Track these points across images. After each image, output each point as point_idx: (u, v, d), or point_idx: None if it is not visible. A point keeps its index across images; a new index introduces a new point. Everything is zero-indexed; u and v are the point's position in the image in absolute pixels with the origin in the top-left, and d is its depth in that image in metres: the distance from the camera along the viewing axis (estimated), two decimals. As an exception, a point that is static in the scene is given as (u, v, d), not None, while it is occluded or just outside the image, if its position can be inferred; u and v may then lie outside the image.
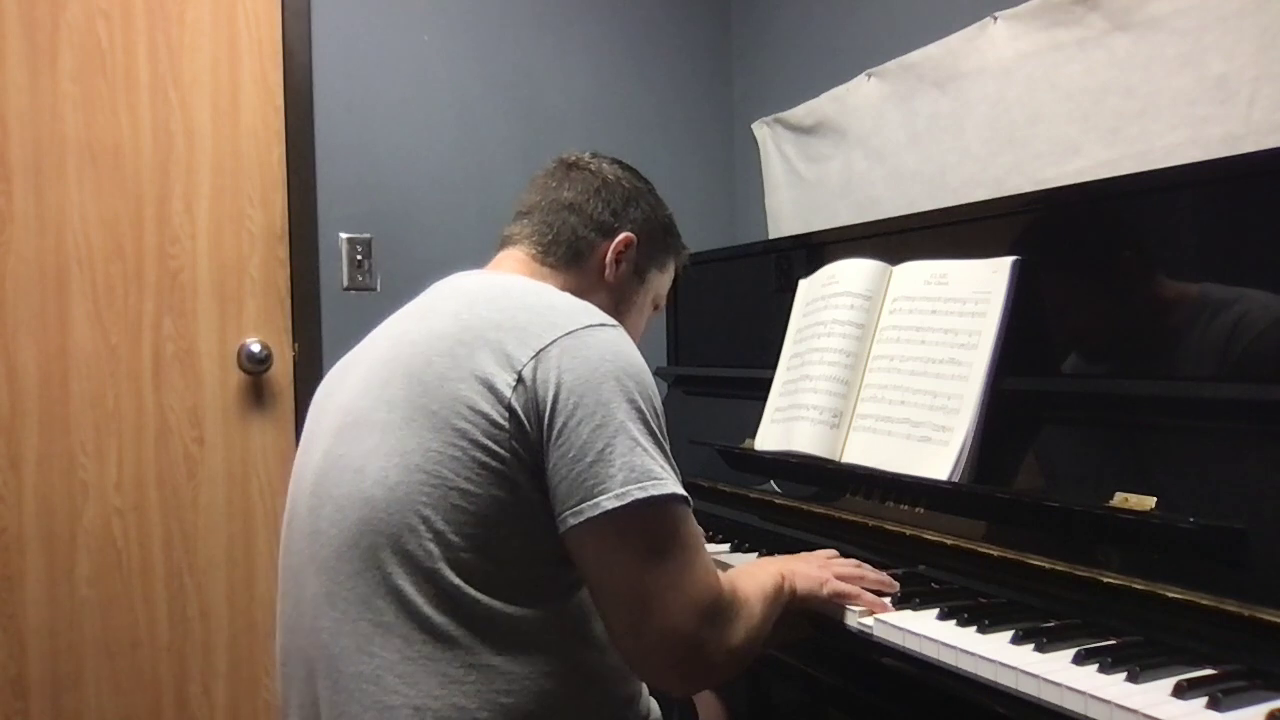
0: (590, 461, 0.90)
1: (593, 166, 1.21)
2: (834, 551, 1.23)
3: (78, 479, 2.03)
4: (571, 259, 1.17)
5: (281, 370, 2.20)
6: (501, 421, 0.92)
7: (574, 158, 1.23)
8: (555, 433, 0.91)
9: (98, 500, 2.04)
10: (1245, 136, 1.44)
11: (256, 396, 2.18)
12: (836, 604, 1.13)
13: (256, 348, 2.16)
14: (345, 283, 2.27)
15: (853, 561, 1.20)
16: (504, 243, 1.20)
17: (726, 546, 1.48)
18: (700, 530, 0.96)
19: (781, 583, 1.07)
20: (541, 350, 0.93)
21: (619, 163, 1.25)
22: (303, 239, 2.22)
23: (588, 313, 0.99)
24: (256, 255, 2.19)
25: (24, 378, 1.99)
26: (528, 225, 1.18)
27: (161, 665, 2.10)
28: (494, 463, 0.92)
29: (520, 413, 0.92)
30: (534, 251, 1.16)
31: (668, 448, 0.96)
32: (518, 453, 0.92)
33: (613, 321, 0.99)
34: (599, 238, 1.18)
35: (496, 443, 0.92)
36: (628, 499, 0.89)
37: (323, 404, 1.10)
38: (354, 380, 1.04)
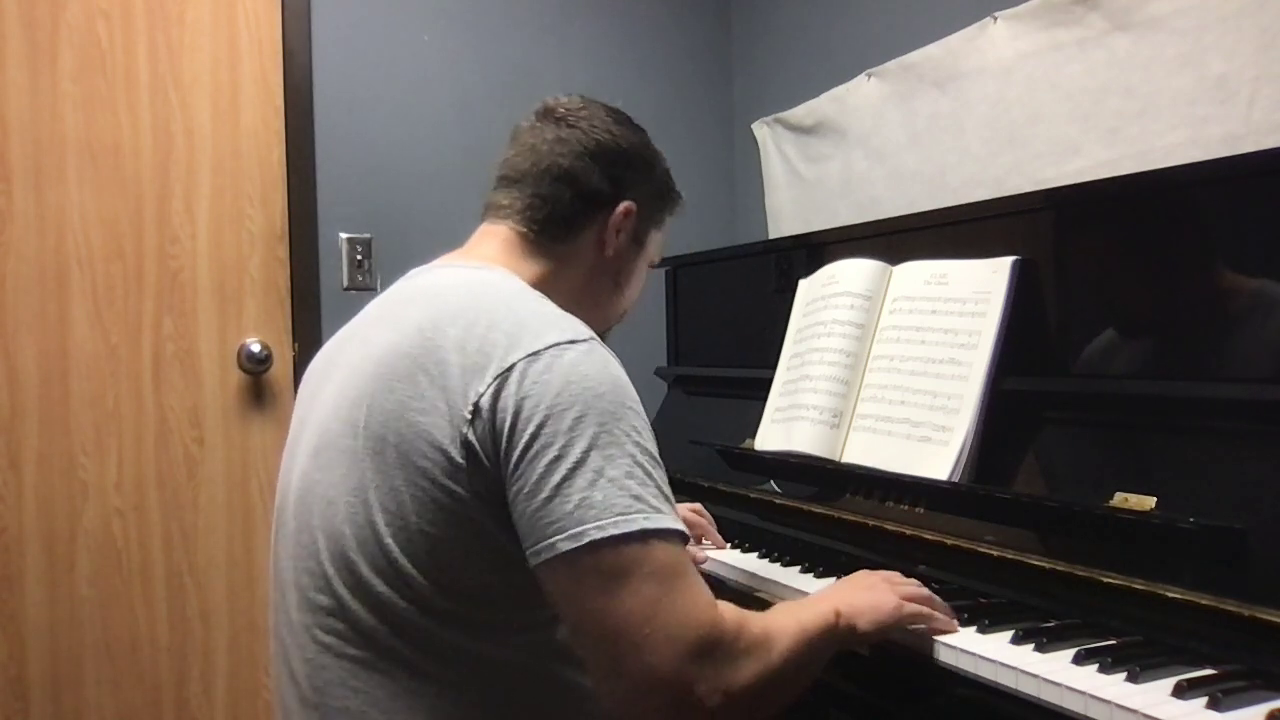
0: (545, 498, 0.82)
1: (584, 124, 1.09)
2: (896, 574, 1.10)
3: (78, 479, 2.03)
4: (564, 235, 1.07)
5: (281, 370, 2.21)
6: (459, 460, 0.85)
7: (561, 110, 1.11)
8: (512, 466, 0.84)
9: (98, 500, 2.04)
10: (1245, 136, 1.44)
11: (256, 396, 2.19)
12: (912, 626, 1.02)
13: (256, 348, 2.16)
14: (345, 283, 2.27)
15: (913, 582, 1.09)
16: (488, 212, 1.11)
17: (726, 546, 1.48)
18: (682, 557, 0.86)
19: (835, 622, 0.95)
20: (500, 375, 0.85)
21: (612, 113, 1.13)
22: (303, 239, 2.22)
23: (557, 328, 0.90)
24: (256, 255, 2.19)
25: (24, 378, 1.99)
26: (519, 197, 1.08)
27: (161, 665, 2.10)
28: (453, 503, 0.86)
29: (477, 447, 0.85)
30: (522, 229, 1.07)
31: (651, 466, 0.87)
32: (478, 492, 0.86)
33: (584, 335, 0.90)
34: (594, 210, 1.07)
35: (455, 482, 0.86)
36: (583, 540, 0.81)
37: (305, 407, 1.06)
38: (329, 392, 1.00)
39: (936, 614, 1.03)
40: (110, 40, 2.05)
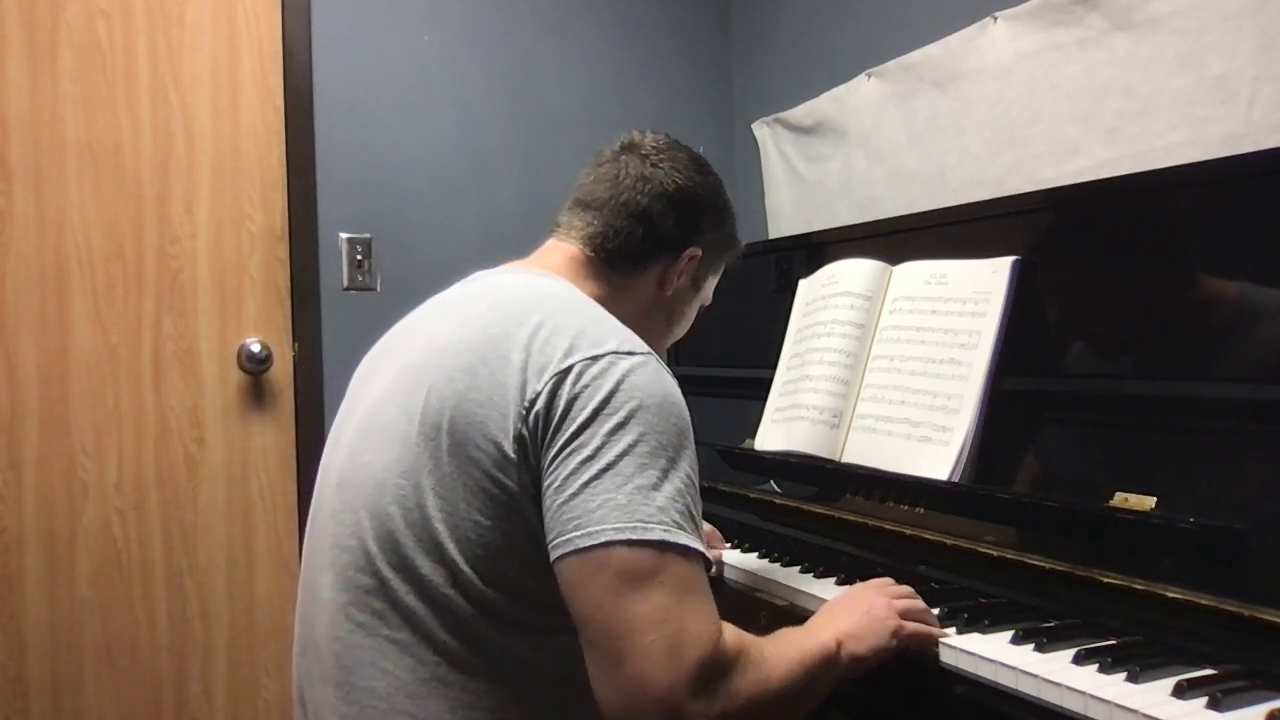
0: (571, 494, 0.85)
1: (667, 165, 1.12)
2: (888, 581, 1.11)
3: (78, 479, 2.03)
4: (628, 268, 1.11)
5: (281, 370, 2.20)
6: (511, 454, 0.88)
7: (648, 147, 1.13)
8: (549, 460, 0.87)
9: (98, 500, 2.04)
10: (1245, 136, 1.44)
11: (256, 396, 2.18)
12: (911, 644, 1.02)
13: (256, 348, 2.16)
14: (345, 283, 2.27)
15: (907, 590, 1.08)
16: (558, 230, 1.13)
17: (727, 546, 1.48)
18: (699, 576, 0.86)
19: (835, 652, 0.95)
20: (558, 375, 0.88)
21: (695, 160, 1.15)
22: (303, 239, 2.22)
23: (618, 337, 0.93)
24: (256, 255, 2.19)
25: (24, 378, 1.99)
26: (592, 223, 1.10)
27: (161, 665, 2.10)
28: (502, 495, 0.89)
29: (528, 443, 0.88)
30: (590, 253, 1.10)
31: (683, 487, 0.87)
32: (525, 487, 0.89)
33: (642, 349, 0.93)
34: (662, 251, 1.11)
35: (505, 475, 0.89)
36: (599, 539, 0.83)
37: (356, 396, 1.08)
38: (386, 379, 1.01)
39: (932, 631, 1.03)
40: (110, 40, 2.05)
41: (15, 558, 1.98)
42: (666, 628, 0.82)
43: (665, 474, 0.87)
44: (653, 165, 1.12)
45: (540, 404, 0.88)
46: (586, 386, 0.88)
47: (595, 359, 0.89)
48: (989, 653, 0.96)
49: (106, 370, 2.05)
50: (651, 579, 0.83)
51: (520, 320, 0.94)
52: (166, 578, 2.11)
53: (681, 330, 1.23)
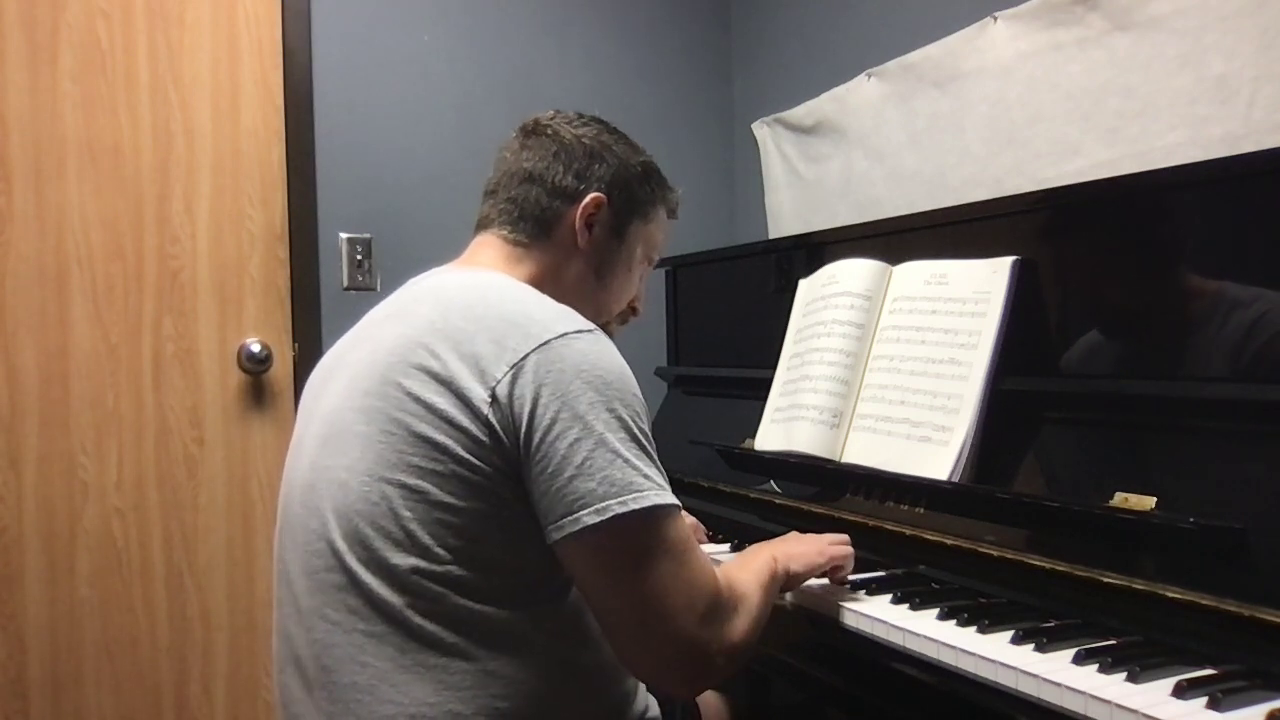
0: (569, 476, 0.89)
1: (550, 130, 1.14)
2: (829, 535, 1.24)
3: (78, 479, 2.03)
4: (541, 232, 1.12)
5: (281, 370, 2.21)
6: (481, 437, 0.91)
7: (534, 122, 1.17)
8: (533, 447, 0.91)
9: (98, 500, 2.04)
10: (1245, 136, 1.44)
11: (256, 396, 2.19)
12: (833, 566, 1.18)
13: (256, 348, 2.16)
14: (345, 283, 2.27)
15: (843, 538, 1.23)
16: (479, 225, 1.17)
17: (726, 546, 1.48)
18: (686, 528, 0.96)
19: (774, 566, 1.08)
20: (516, 364, 0.92)
21: (583, 117, 1.17)
22: (303, 239, 2.22)
23: (563, 319, 0.96)
24: (256, 255, 2.19)
25: (24, 378, 1.99)
26: (494, 205, 1.15)
27: (161, 665, 2.10)
28: (476, 477, 0.92)
29: (498, 428, 0.91)
30: (504, 233, 1.13)
31: (652, 450, 0.95)
32: (499, 467, 0.92)
33: (589, 326, 0.97)
34: (564, 204, 1.12)
35: (477, 458, 0.91)
36: (607, 514, 0.88)
37: (310, 406, 1.09)
38: (337, 386, 1.03)
39: (849, 563, 1.20)
40: (110, 40, 2.05)
41: (15, 558, 1.98)
42: (679, 587, 0.91)
43: (639, 443, 0.93)
44: (537, 134, 1.15)
45: (503, 394, 0.91)
46: (549, 372, 0.91)
47: (548, 344, 0.93)
48: (989, 653, 0.96)
49: (106, 370, 2.05)
50: (657, 545, 0.91)
51: (465, 313, 0.97)
52: (166, 578, 2.11)
53: (619, 287, 1.19)
